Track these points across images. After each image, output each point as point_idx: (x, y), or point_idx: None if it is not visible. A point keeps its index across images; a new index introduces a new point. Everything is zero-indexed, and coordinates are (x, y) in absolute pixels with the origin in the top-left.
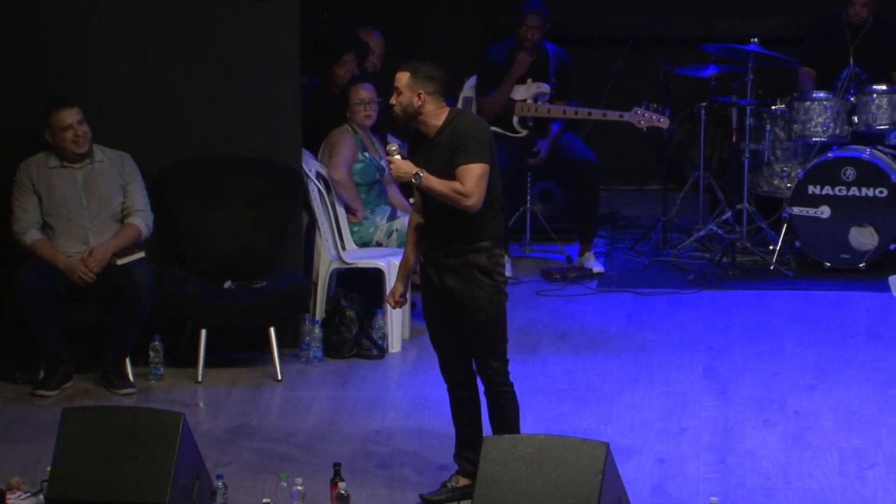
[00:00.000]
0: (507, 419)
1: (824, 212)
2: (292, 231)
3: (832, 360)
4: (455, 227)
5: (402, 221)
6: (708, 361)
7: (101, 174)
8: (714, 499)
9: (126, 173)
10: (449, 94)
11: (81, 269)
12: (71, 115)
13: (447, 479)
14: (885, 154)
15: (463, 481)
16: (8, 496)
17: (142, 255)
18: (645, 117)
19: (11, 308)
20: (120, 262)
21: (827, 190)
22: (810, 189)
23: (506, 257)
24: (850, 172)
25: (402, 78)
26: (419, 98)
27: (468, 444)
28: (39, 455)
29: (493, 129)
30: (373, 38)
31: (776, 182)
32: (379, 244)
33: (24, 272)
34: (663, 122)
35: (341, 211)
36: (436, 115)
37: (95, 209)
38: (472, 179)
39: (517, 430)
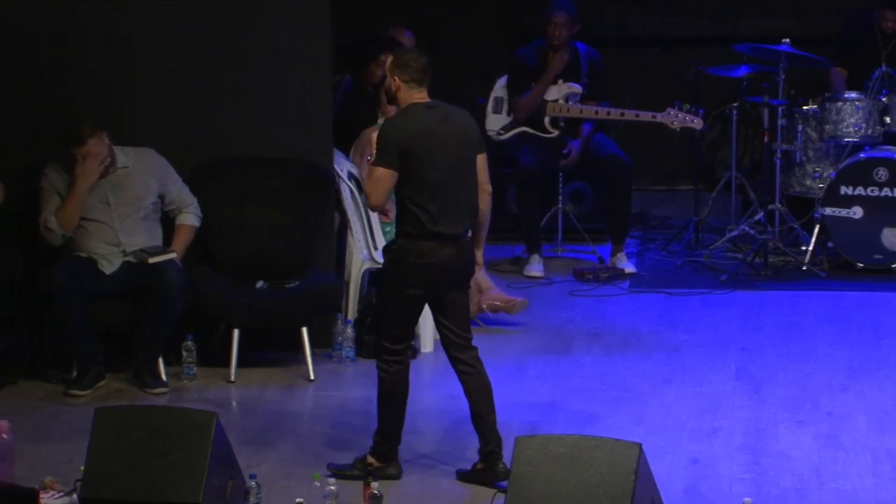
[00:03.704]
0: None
1: (856, 212)
2: (324, 231)
3: (865, 361)
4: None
5: None
6: (741, 362)
7: (127, 179)
8: (747, 499)
9: (158, 172)
10: (425, 84)
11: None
12: (82, 152)
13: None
14: None
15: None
16: (41, 495)
17: (174, 254)
18: (678, 118)
19: (45, 308)
20: (152, 261)
21: (859, 190)
22: (842, 189)
23: (538, 257)
24: (882, 173)
25: (387, 61)
26: (395, 83)
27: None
28: (72, 454)
29: (525, 129)
30: (404, 38)
31: (808, 182)
32: None
33: (58, 272)
34: (696, 123)
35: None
36: (404, 103)
37: (124, 211)
38: (368, 181)
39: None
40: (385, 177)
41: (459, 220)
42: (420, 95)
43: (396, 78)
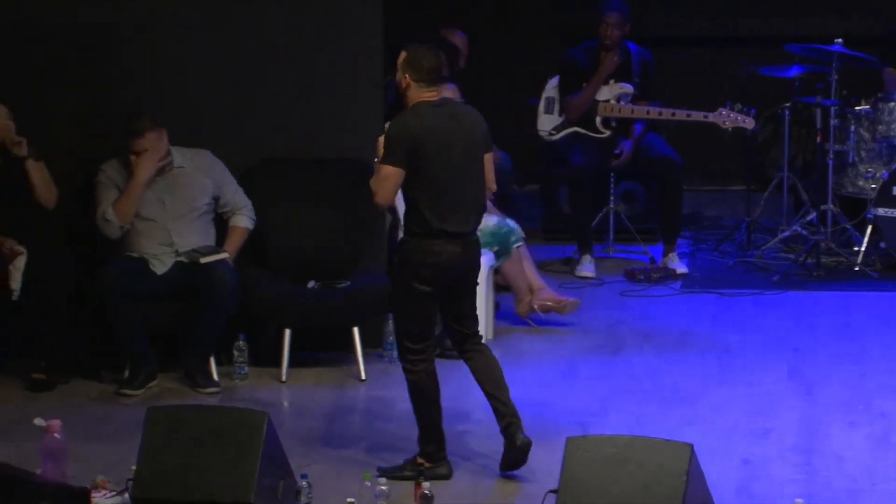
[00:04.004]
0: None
1: None
2: (375, 231)
3: None
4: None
5: (485, 222)
6: (793, 362)
7: (183, 178)
8: (799, 500)
9: (214, 174)
10: (435, 84)
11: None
12: (140, 145)
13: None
14: None
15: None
16: (93, 495)
17: (225, 254)
18: (730, 118)
19: (97, 308)
20: (203, 261)
21: None
22: (895, 190)
23: (589, 258)
24: None
25: (400, 57)
26: (405, 80)
27: None
28: (124, 454)
29: (577, 129)
30: (456, 38)
31: (861, 183)
32: None
33: (109, 272)
34: (748, 123)
35: None
36: (412, 100)
37: (178, 211)
38: (375, 179)
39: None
40: (392, 175)
41: (466, 218)
42: (429, 94)
43: (407, 76)
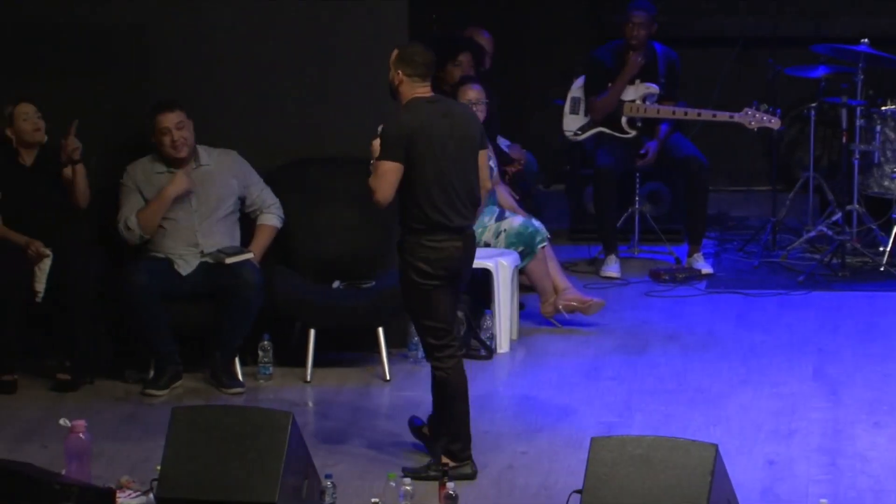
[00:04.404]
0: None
1: None
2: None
3: None
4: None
5: (510, 222)
6: (818, 363)
7: (210, 177)
8: (824, 501)
9: (241, 173)
10: (428, 79)
11: (182, 178)
12: (169, 119)
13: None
14: None
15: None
16: (118, 495)
17: (250, 254)
18: (756, 118)
19: (122, 308)
20: (229, 261)
21: None
22: None
23: (614, 258)
24: None
25: (392, 54)
26: (398, 76)
27: None
28: (149, 454)
29: (602, 129)
30: (482, 38)
31: (886, 183)
32: (487, 244)
33: (134, 273)
34: (774, 123)
35: None
36: (406, 97)
37: (205, 211)
38: (373, 177)
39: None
40: (391, 170)
41: (462, 214)
42: (423, 90)
43: (400, 72)
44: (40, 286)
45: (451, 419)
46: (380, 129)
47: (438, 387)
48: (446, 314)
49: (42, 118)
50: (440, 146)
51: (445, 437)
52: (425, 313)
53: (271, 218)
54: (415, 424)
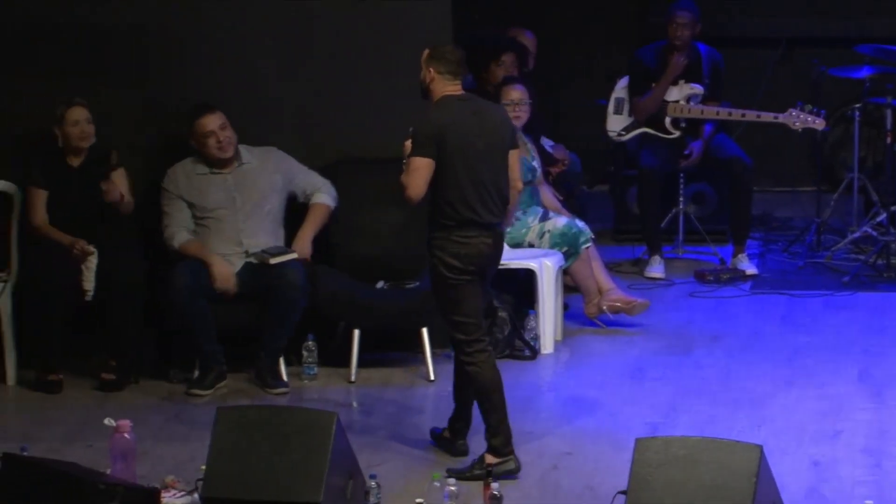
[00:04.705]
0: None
1: None
2: None
3: None
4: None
5: (555, 223)
6: (863, 364)
7: (253, 175)
8: (869, 502)
9: (283, 167)
10: (459, 77)
11: (225, 275)
12: (213, 121)
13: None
14: None
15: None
16: (162, 494)
17: (294, 255)
18: (800, 119)
19: (167, 308)
20: (273, 261)
21: None
22: None
23: (658, 258)
24: None
25: (423, 53)
26: (430, 74)
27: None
28: (194, 454)
29: (646, 130)
30: (525, 38)
31: None
32: (531, 245)
33: (180, 272)
34: (819, 124)
35: None
36: (437, 94)
37: (249, 210)
38: (405, 173)
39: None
40: (423, 166)
41: (492, 210)
42: (453, 88)
43: (431, 69)
44: (89, 284)
45: (490, 413)
46: (411, 129)
47: (473, 382)
48: (475, 309)
49: (91, 122)
50: (471, 143)
51: (487, 433)
52: (454, 309)
53: (323, 196)
54: (435, 433)
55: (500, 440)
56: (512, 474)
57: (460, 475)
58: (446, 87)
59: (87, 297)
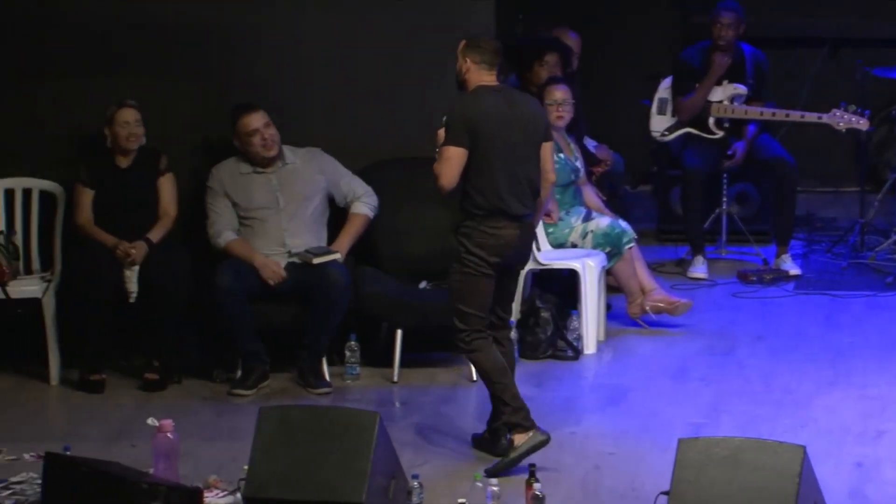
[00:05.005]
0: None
1: None
2: None
3: None
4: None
5: (598, 223)
6: None
7: (296, 175)
8: None
9: (327, 169)
10: (495, 67)
11: (273, 268)
12: (256, 120)
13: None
14: None
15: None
16: (205, 494)
17: (337, 255)
18: (844, 119)
19: (210, 308)
20: (316, 261)
21: None
22: None
23: (702, 259)
24: None
25: (460, 44)
26: (465, 64)
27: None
28: (236, 454)
29: (689, 130)
30: (569, 38)
31: None
32: (574, 245)
33: (223, 272)
34: (863, 124)
35: None
36: (472, 84)
37: (292, 210)
38: (438, 162)
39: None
40: (456, 155)
41: (522, 202)
42: (489, 78)
43: (468, 59)
44: (133, 286)
45: (503, 392)
46: (444, 117)
47: (477, 369)
48: (483, 305)
49: (141, 124)
50: (504, 134)
51: (505, 415)
52: (464, 299)
53: (362, 207)
54: (476, 437)
55: (522, 415)
56: (544, 445)
57: (496, 469)
58: (482, 77)
59: (130, 298)
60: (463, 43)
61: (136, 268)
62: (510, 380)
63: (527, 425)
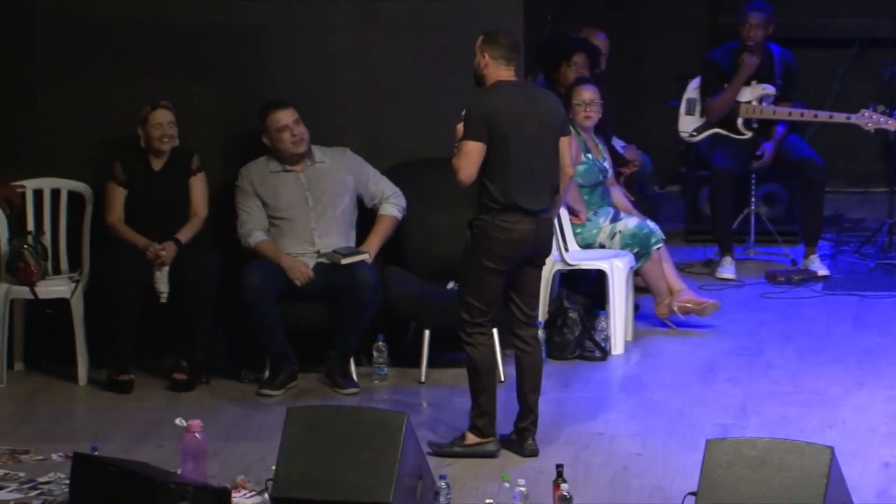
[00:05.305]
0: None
1: None
2: None
3: None
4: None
5: (626, 223)
6: None
7: (325, 174)
8: None
9: (355, 168)
10: (512, 62)
11: (301, 269)
12: (286, 116)
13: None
14: None
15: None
16: (233, 494)
17: (366, 255)
18: (872, 119)
19: (238, 308)
20: (344, 262)
21: None
22: None
23: (730, 259)
24: None
25: (478, 40)
26: (484, 59)
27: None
28: (264, 454)
29: (718, 130)
30: (597, 39)
31: None
32: (602, 246)
33: (251, 272)
34: (891, 125)
35: (564, 212)
36: (490, 79)
37: (321, 209)
38: (457, 157)
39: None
40: (474, 150)
41: (538, 197)
42: (507, 73)
43: (486, 54)
44: (163, 286)
45: (480, 394)
46: (464, 112)
47: (467, 361)
48: (491, 299)
49: (175, 125)
50: (521, 129)
51: (473, 411)
52: (473, 291)
53: (390, 208)
54: (503, 437)
55: (485, 421)
56: (491, 456)
57: (440, 449)
58: (500, 72)
59: (161, 298)
60: (481, 38)
61: (166, 268)
62: (491, 384)
63: (485, 432)
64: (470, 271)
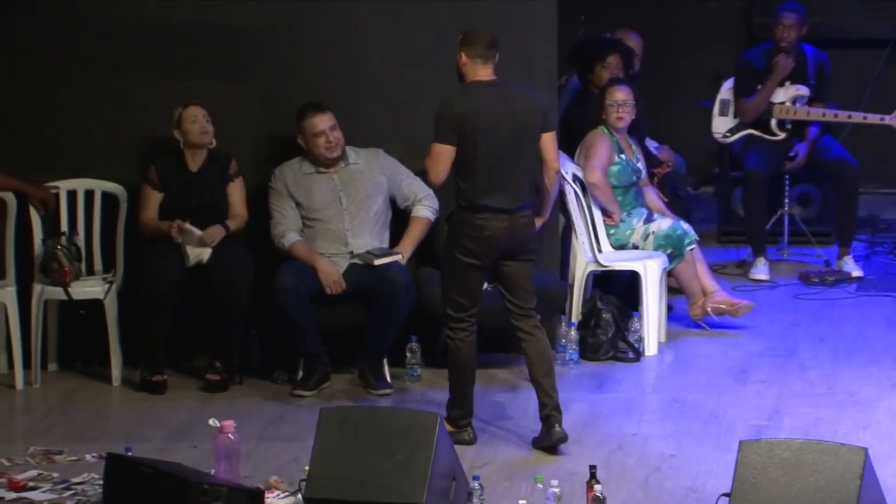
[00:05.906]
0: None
1: None
2: (548, 233)
3: None
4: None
5: (659, 224)
6: None
7: (359, 175)
8: None
9: (389, 170)
10: (489, 61)
11: (335, 279)
12: (324, 122)
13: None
14: None
15: None
16: (266, 495)
17: (399, 256)
18: None
19: (271, 309)
20: (377, 262)
21: None
22: None
23: (763, 260)
24: None
25: (459, 40)
26: (462, 59)
27: None
28: (297, 454)
29: (751, 131)
30: (631, 40)
31: None
32: (635, 246)
33: (284, 273)
34: None
35: (597, 213)
36: (469, 78)
37: (354, 210)
38: (428, 158)
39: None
40: (443, 152)
41: (513, 195)
42: (484, 72)
43: (463, 54)
44: (192, 254)
45: (457, 388)
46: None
47: (448, 354)
48: (473, 294)
49: (210, 121)
50: (493, 129)
51: (449, 402)
52: (454, 287)
53: (423, 210)
54: (534, 440)
55: (459, 413)
56: (467, 444)
57: None
58: (477, 71)
59: (187, 263)
60: (460, 37)
61: (208, 251)
62: (468, 381)
63: (459, 424)
64: (449, 267)
